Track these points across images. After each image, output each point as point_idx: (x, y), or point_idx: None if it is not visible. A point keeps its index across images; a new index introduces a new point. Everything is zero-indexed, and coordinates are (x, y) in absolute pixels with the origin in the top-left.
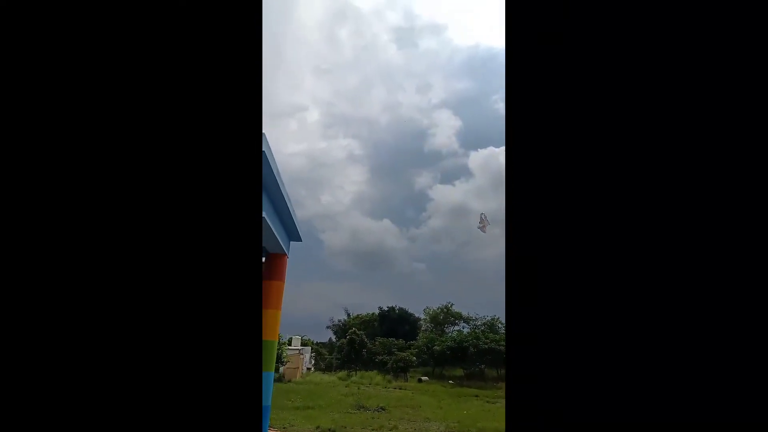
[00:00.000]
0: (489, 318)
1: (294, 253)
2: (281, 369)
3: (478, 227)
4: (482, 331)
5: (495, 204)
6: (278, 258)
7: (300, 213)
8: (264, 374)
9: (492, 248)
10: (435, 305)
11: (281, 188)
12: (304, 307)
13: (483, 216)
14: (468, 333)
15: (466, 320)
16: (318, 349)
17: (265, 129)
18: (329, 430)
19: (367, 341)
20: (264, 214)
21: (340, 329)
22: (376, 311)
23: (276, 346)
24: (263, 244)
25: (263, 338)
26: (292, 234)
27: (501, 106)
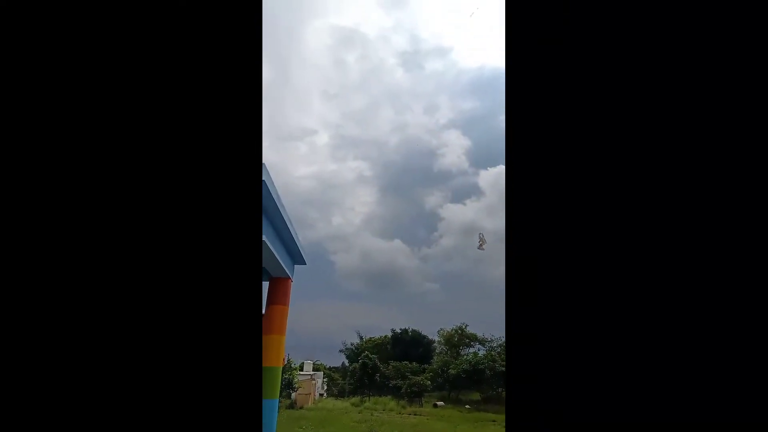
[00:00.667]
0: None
1: (306, 275)
2: (293, 395)
3: (477, 246)
4: (498, 353)
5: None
6: (281, 282)
7: (311, 235)
8: (267, 402)
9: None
10: (449, 326)
11: (282, 213)
12: (316, 329)
13: (481, 235)
14: (484, 355)
15: (482, 342)
16: (330, 374)
17: (275, 152)
18: None
19: (380, 365)
20: (265, 239)
21: (353, 353)
22: (389, 333)
23: (280, 373)
24: (266, 268)
25: (266, 364)
26: (297, 258)
27: None
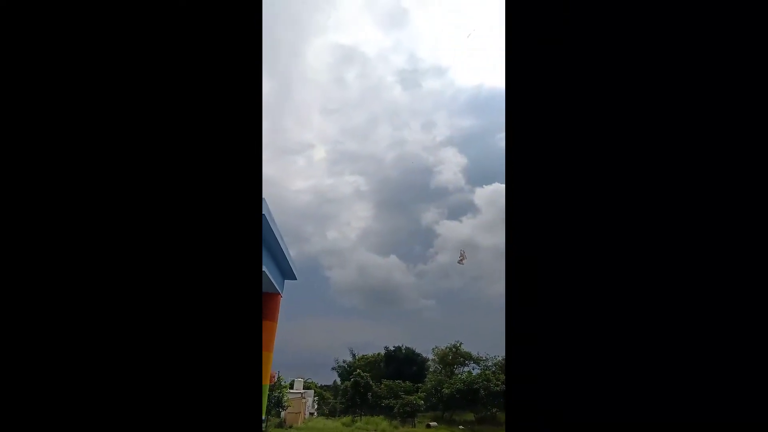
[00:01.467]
0: (500, 358)
1: (300, 290)
2: (282, 414)
3: (458, 261)
4: (493, 372)
5: (503, 239)
6: (271, 297)
7: (306, 249)
8: None
9: (503, 284)
10: (443, 344)
11: (273, 228)
12: (309, 346)
13: (462, 251)
14: (478, 374)
15: (476, 361)
16: (321, 393)
17: (273, 166)
18: None
19: (373, 384)
20: None
21: (345, 371)
22: (383, 351)
23: (266, 391)
24: None
25: None
26: (287, 273)
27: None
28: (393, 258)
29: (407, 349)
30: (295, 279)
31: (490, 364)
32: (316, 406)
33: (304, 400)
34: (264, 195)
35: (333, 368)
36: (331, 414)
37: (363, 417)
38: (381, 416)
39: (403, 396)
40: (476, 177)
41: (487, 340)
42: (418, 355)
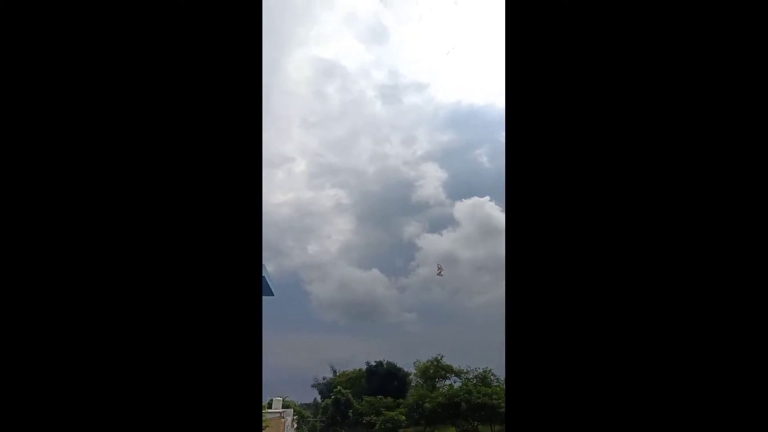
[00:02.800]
0: (481, 370)
1: (279, 306)
2: None
3: (437, 273)
4: (474, 384)
5: (482, 252)
6: None
7: (286, 263)
8: None
9: (482, 296)
10: (425, 357)
11: None
12: (289, 364)
13: (439, 265)
14: (459, 387)
15: (457, 373)
16: (301, 411)
17: None
18: None
19: (354, 401)
20: None
21: (326, 388)
22: (364, 367)
23: None
24: None
25: None
26: (263, 289)
27: (485, 159)
28: (375, 271)
29: (389, 363)
30: (273, 295)
31: (471, 376)
32: (295, 426)
33: (283, 420)
34: None
35: (313, 385)
36: None
37: None
38: None
39: (385, 412)
40: (455, 191)
41: (467, 352)
42: (400, 369)
